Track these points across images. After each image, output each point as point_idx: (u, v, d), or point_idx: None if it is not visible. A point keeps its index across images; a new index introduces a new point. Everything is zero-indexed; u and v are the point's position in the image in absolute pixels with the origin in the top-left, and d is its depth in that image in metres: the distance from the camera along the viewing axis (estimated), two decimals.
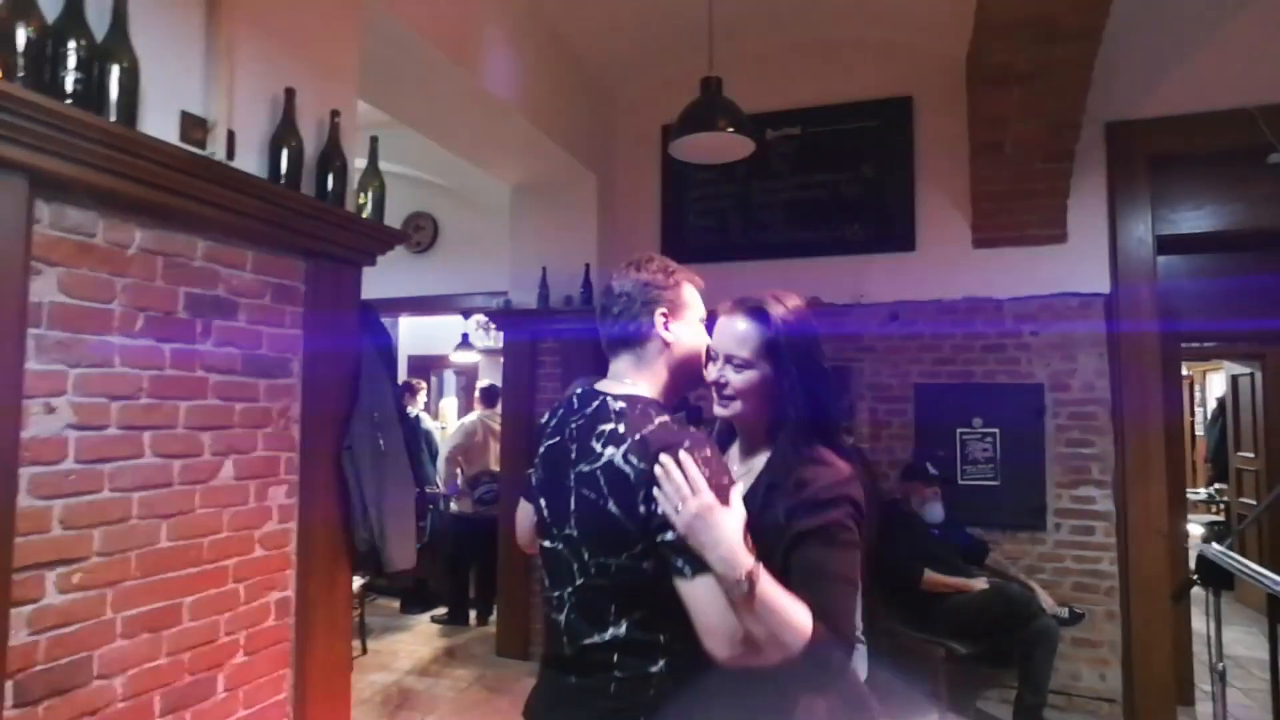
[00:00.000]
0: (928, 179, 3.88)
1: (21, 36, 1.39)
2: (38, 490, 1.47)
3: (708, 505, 1.00)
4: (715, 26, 3.13)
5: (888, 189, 3.94)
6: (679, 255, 4.78)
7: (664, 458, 1.04)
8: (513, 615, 4.26)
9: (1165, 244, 3.62)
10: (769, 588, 0.99)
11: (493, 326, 5.97)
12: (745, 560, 0.98)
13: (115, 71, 1.53)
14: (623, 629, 1.09)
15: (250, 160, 1.92)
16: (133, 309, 1.65)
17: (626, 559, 1.07)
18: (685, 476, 1.02)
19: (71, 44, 1.46)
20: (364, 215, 2.32)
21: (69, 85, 1.46)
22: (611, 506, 1.08)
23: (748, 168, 4.01)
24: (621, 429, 1.11)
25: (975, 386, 3.76)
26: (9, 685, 1.42)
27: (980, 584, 3.33)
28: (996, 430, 3.75)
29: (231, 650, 1.89)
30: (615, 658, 1.09)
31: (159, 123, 1.67)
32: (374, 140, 2.37)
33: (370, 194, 2.34)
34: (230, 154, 1.83)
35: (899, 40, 3.87)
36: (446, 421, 5.89)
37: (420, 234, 5.41)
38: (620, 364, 1.23)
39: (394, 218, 5.34)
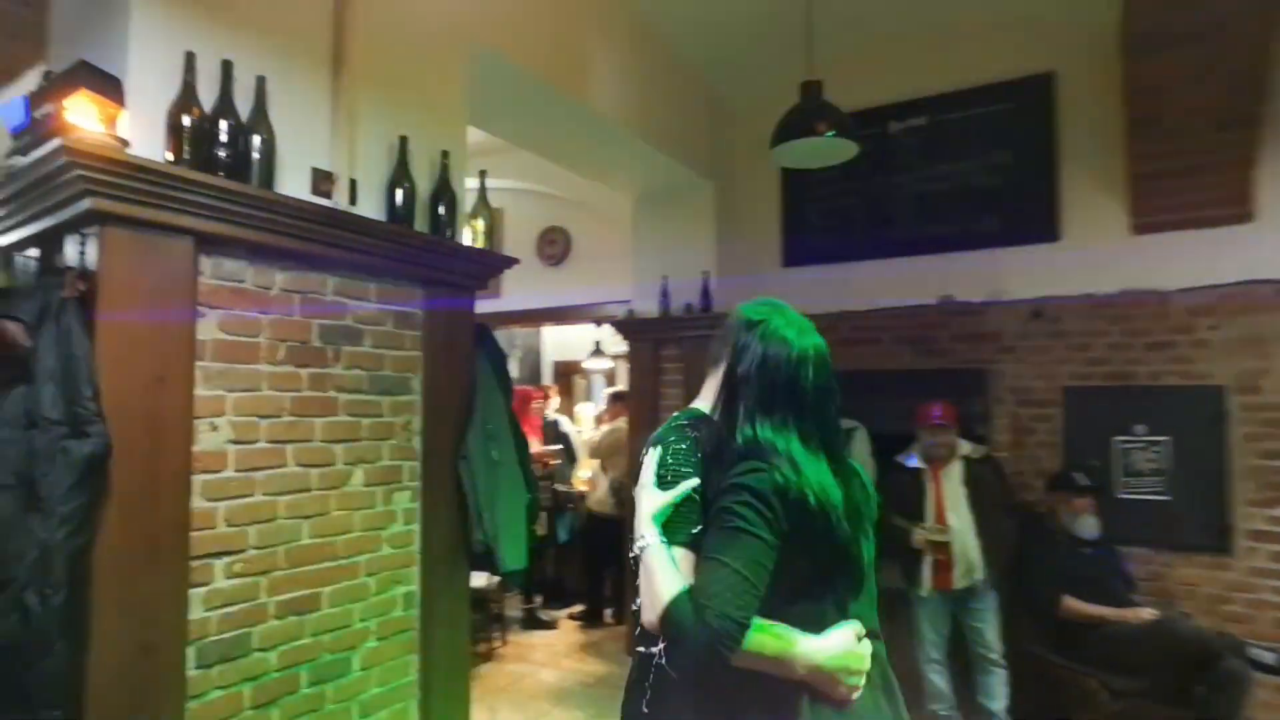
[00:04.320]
0: (1072, 162, 3.51)
1: (186, 121, 1.70)
2: (206, 494, 1.79)
3: (642, 484, 1.21)
4: (834, 18, 3.06)
5: (1025, 176, 3.61)
6: (801, 258, 4.64)
7: (649, 449, 1.25)
8: None
9: None
10: (653, 557, 1.13)
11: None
12: (644, 531, 1.16)
13: (257, 142, 1.83)
14: (637, 603, 1.19)
15: (370, 203, 2.18)
16: (275, 340, 1.94)
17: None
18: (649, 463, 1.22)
19: (224, 124, 1.76)
20: (475, 244, 2.54)
21: (222, 157, 1.76)
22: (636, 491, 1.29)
23: (871, 163, 3.83)
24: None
25: (1137, 389, 3.35)
26: (190, 650, 1.75)
27: (1143, 615, 2.96)
28: (1168, 438, 3.31)
29: (364, 635, 2.16)
30: (637, 630, 1.21)
31: (293, 180, 1.96)
32: (483, 174, 2.58)
33: (481, 223, 2.55)
34: (353, 200, 2.09)
35: (1035, 14, 3.53)
36: (582, 425, 6.15)
37: (553, 247, 5.73)
38: (706, 381, 1.37)
39: (529, 232, 5.74)
